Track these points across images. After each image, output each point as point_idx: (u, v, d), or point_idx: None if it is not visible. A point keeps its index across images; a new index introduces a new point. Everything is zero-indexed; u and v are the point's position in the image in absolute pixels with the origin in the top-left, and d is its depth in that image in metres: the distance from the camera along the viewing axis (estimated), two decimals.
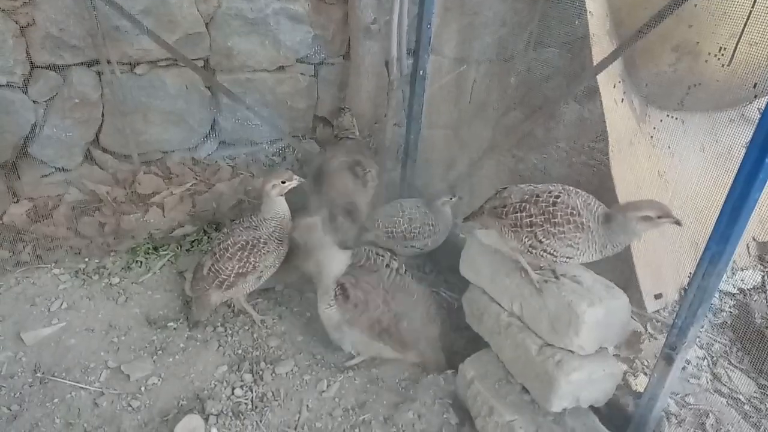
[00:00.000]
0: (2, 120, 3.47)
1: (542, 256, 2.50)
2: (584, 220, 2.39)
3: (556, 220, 2.41)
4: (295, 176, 3.08)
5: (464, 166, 4.04)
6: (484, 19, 3.84)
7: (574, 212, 2.40)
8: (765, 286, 3.49)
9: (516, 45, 3.71)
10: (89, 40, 3.53)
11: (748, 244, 3.73)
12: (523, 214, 2.51)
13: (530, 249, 2.52)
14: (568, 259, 2.46)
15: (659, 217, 2.28)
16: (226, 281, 3.04)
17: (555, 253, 2.46)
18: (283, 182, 3.04)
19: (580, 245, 2.40)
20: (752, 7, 2.26)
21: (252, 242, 3.04)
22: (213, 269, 3.05)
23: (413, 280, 2.95)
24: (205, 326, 3.23)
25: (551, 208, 2.43)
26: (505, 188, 2.72)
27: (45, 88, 3.58)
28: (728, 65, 2.51)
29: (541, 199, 2.48)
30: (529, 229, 2.48)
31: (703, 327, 3.09)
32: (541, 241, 2.46)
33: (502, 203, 2.63)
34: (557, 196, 2.46)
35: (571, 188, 2.51)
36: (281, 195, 3.08)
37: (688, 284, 2.19)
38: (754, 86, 2.29)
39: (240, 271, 3.03)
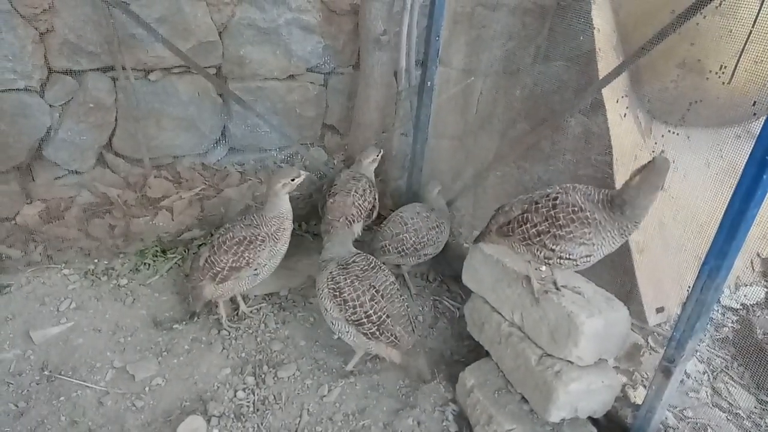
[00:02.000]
0: (19, 123, 3.55)
1: (561, 263, 2.44)
2: (588, 214, 2.33)
3: (560, 222, 2.37)
4: (302, 171, 3.17)
5: (470, 176, 4.08)
6: (492, 32, 3.89)
7: (576, 209, 2.35)
8: None
9: (523, 58, 3.75)
10: (105, 47, 3.62)
11: (752, 260, 3.73)
12: (528, 225, 2.49)
13: (546, 261, 2.47)
14: (588, 258, 2.40)
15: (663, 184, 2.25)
16: (220, 274, 3.09)
17: (572, 257, 2.40)
18: (293, 179, 3.11)
19: (594, 240, 2.34)
20: (753, 26, 2.30)
21: (250, 238, 3.09)
22: (209, 261, 3.11)
23: (401, 291, 3.01)
24: (210, 328, 3.28)
25: (552, 212, 2.40)
26: (505, 205, 2.71)
27: (61, 93, 3.66)
28: (728, 83, 2.53)
29: (540, 204, 2.46)
30: (537, 239, 2.45)
31: (703, 341, 3.09)
32: (553, 249, 2.41)
33: (506, 220, 2.62)
34: (555, 198, 2.43)
35: (568, 185, 2.47)
36: (290, 192, 3.15)
37: (687, 298, 2.21)
38: (753, 104, 2.31)
39: (234, 265, 3.08)
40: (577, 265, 2.45)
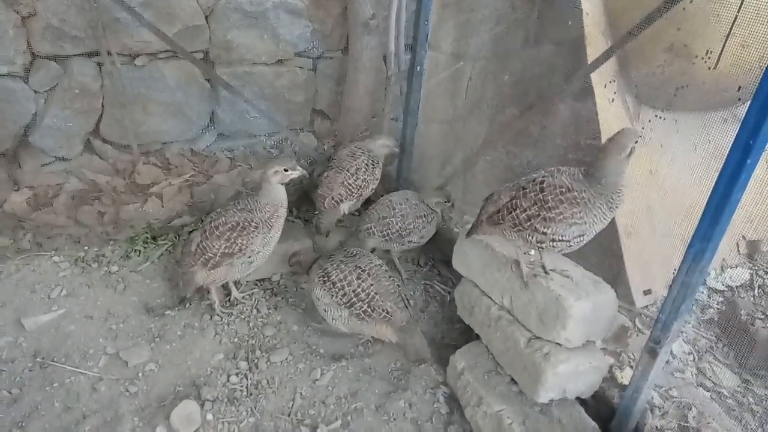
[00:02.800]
0: (3, 109, 3.50)
1: (554, 246, 2.46)
2: (576, 193, 2.35)
3: (549, 204, 2.38)
4: (299, 167, 3.11)
5: (459, 161, 4.09)
6: (481, 16, 3.88)
7: (563, 189, 2.38)
8: (753, 284, 3.56)
9: (512, 43, 3.75)
10: (90, 31, 3.56)
11: (737, 243, 3.78)
12: (518, 211, 2.50)
13: (539, 245, 2.49)
14: (581, 238, 2.43)
15: (636, 143, 2.31)
16: (212, 260, 3.05)
17: (564, 238, 2.42)
18: (286, 170, 3.06)
19: (585, 218, 2.37)
20: (738, 12, 2.31)
21: (243, 224, 3.04)
22: (200, 246, 3.07)
23: (390, 273, 3.08)
24: (202, 314, 3.29)
25: (541, 195, 2.42)
26: (492, 194, 2.72)
27: (46, 78, 3.61)
28: (714, 68, 2.55)
29: (528, 189, 2.48)
30: (528, 224, 2.46)
31: (689, 322, 3.15)
32: (545, 233, 2.42)
33: (495, 209, 2.63)
34: (542, 181, 2.45)
35: (553, 168, 2.49)
36: (282, 183, 3.10)
37: (672, 281, 2.25)
38: (738, 90, 2.34)
39: (226, 251, 3.03)
40: (570, 246, 2.48)
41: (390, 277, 3.03)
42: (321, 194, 3.78)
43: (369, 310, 2.89)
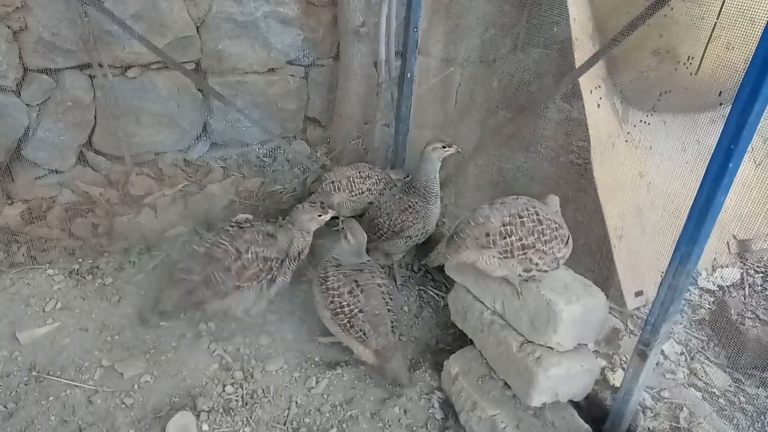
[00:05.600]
0: None
1: (533, 276, 2.57)
2: (564, 231, 2.50)
3: (546, 237, 2.48)
4: (330, 209, 3.24)
5: (451, 166, 4.11)
6: (470, 21, 3.91)
7: (556, 225, 2.50)
8: (743, 283, 3.59)
9: (501, 47, 3.78)
10: (81, 44, 3.57)
11: (728, 242, 3.81)
12: (512, 238, 2.51)
13: (525, 272, 2.55)
14: (547, 271, 2.59)
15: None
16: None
17: (546, 268, 2.54)
18: (320, 215, 3.20)
19: (562, 257, 2.55)
20: (717, 18, 2.34)
21: (274, 260, 3.08)
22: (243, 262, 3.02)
23: (384, 298, 3.00)
24: (197, 325, 3.29)
25: (540, 227, 2.49)
26: (472, 216, 2.67)
27: (38, 92, 3.62)
28: (696, 74, 2.58)
29: (524, 218, 2.52)
30: (521, 252, 2.50)
31: (680, 323, 3.18)
32: (537, 263, 2.50)
33: (483, 232, 2.58)
34: (537, 213, 2.53)
35: (535, 201, 2.59)
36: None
37: (660, 283, 2.28)
38: (719, 94, 2.37)
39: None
40: (545, 274, 2.61)
41: (384, 300, 2.96)
42: (325, 176, 3.96)
43: (348, 324, 2.89)
